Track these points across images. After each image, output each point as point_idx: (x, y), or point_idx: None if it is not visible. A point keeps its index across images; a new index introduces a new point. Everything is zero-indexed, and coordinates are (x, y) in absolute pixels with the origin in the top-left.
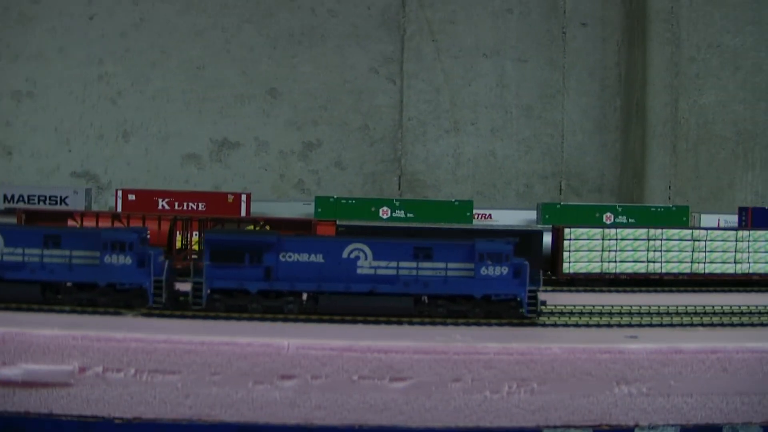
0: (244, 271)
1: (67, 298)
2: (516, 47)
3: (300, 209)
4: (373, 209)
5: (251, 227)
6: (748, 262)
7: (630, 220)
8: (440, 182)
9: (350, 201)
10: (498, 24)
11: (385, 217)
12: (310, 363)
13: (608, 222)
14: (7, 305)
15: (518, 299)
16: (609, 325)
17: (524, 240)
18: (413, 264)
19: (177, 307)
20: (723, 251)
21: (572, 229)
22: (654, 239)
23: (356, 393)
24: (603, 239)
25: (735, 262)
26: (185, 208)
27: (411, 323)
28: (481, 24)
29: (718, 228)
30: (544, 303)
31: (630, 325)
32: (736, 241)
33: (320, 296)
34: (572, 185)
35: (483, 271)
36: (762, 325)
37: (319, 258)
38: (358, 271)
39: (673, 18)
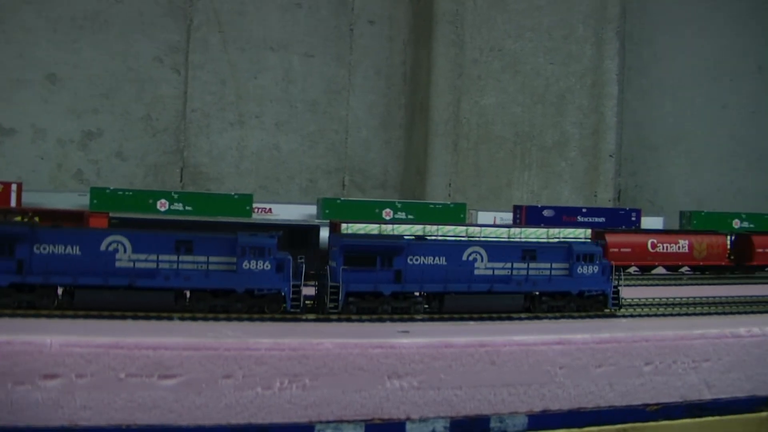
0: (377, 275)
1: (201, 305)
2: (303, 42)
3: (75, 200)
4: (150, 201)
5: (20, 218)
6: None
7: (409, 216)
8: (224, 175)
9: (127, 192)
10: (286, 18)
11: (162, 209)
12: (75, 361)
13: (388, 218)
14: None
15: (605, 294)
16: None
17: (302, 234)
18: (524, 265)
19: (308, 311)
20: None
21: (349, 225)
22: (430, 235)
23: (124, 391)
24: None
25: None
26: None
27: (182, 318)
28: (270, 17)
29: (493, 225)
30: (623, 298)
31: (402, 320)
32: (509, 237)
33: (446, 296)
34: (356, 181)
35: (579, 269)
36: (528, 318)
37: (442, 260)
38: (476, 272)
39: (458, 20)
